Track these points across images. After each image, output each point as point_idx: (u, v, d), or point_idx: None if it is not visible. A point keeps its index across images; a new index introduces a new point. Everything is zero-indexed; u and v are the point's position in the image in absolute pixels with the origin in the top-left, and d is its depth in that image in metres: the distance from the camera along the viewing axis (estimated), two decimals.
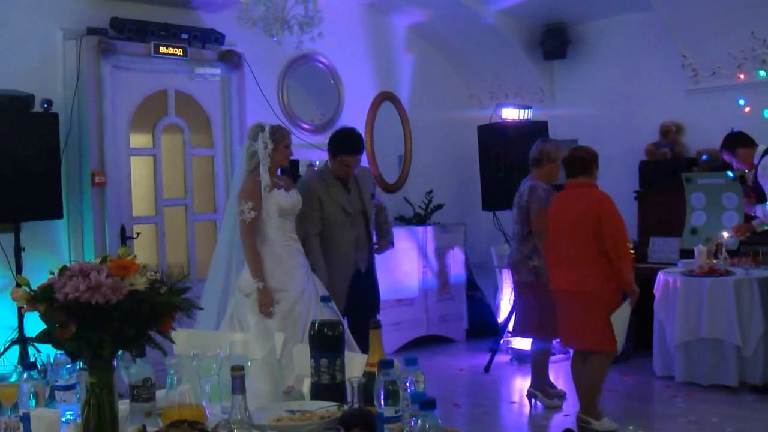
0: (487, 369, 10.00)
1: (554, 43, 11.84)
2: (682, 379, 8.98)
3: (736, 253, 9.58)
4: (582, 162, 7.67)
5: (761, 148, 8.61)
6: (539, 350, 8.65)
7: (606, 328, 7.42)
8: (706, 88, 10.71)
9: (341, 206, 7.61)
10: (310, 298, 6.91)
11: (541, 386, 8.55)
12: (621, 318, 7.43)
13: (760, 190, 8.54)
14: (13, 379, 3.67)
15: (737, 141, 8.84)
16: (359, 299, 7.60)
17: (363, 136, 8.11)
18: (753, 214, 8.87)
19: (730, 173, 9.24)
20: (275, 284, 6.85)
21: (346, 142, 7.90)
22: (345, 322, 6.84)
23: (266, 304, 6.74)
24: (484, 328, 11.34)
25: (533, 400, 8.54)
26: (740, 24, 10.12)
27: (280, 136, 7.02)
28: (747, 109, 10.03)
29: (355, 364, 3.71)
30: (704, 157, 10.45)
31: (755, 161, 8.58)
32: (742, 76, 10.34)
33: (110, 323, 2.92)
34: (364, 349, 3.64)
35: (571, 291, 7.63)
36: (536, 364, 8.60)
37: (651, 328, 9.42)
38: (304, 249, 7.23)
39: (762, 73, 10.20)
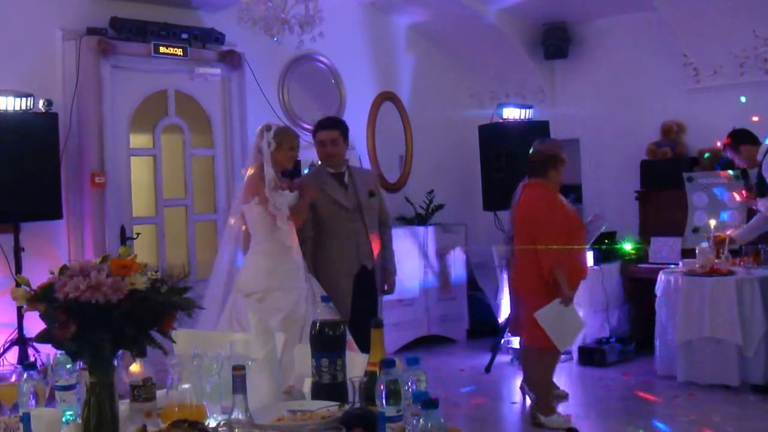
0: (488, 369, 10.00)
1: (555, 42, 11.84)
2: (683, 379, 8.98)
3: (737, 252, 9.58)
4: (535, 164, 7.80)
5: (765, 146, 8.60)
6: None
7: (539, 326, 7.54)
8: (708, 87, 10.71)
9: (335, 200, 7.56)
10: (308, 298, 6.91)
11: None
12: (548, 316, 7.49)
13: (762, 186, 8.53)
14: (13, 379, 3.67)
15: (742, 138, 8.83)
16: (361, 298, 7.56)
17: (344, 120, 8.04)
18: (755, 208, 8.85)
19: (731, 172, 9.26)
20: (275, 283, 6.85)
21: (320, 120, 8.01)
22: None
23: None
24: (485, 328, 11.33)
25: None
26: (742, 23, 10.12)
27: (284, 137, 7.02)
28: (755, 118, 9.98)
29: (357, 363, 3.71)
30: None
31: (759, 158, 8.56)
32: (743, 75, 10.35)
33: (111, 323, 2.91)
34: (364, 348, 3.64)
35: (514, 289, 8.11)
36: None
37: (652, 328, 9.41)
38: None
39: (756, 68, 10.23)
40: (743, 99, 10.20)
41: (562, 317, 7.52)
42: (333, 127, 7.75)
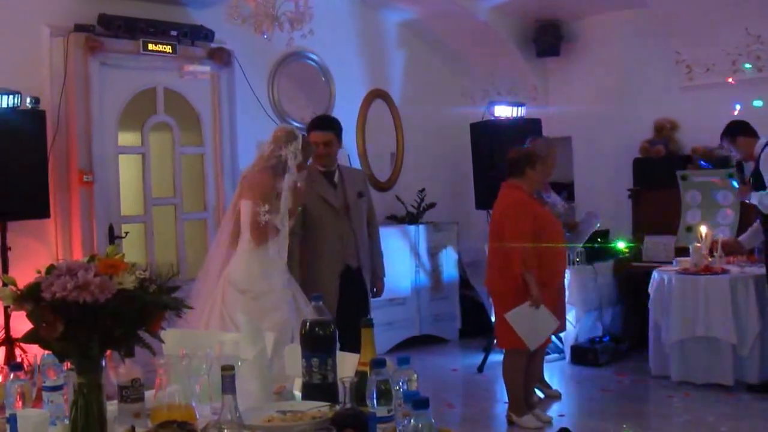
0: (480, 369, 10.01)
1: (547, 40, 11.83)
2: (677, 379, 9.00)
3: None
4: (512, 163, 7.83)
5: (763, 140, 8.57)
6: None
7: (509, 327, 7.61)
8: (701, 85, 10.71)
9: (324, 199, 7.55)
10: (294, 299, 6.90)
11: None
12: (518, 318, 7.55)
13: (758, 181, 8.52)
14: None
15: (740, 129, 8.77)
16: (350, 298, 7.56)
17: (337, 120, 8.02)
18: (748, 201, 8.83)
19: (734, 182, 9.21)
20: (268, 286, 6.83)
21: (313, 120, 8.04)
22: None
23: None
24: (477, 328, 11.32)
25: None
26: (734, 20, 10.11)
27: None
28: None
29: (347, 363, 3.70)
30: (702, 162, 10.43)
31: (756, 152, 8.54)
32: (735, 73, 10.36)
33: (98, 322, 2.90)
34: (354, 348, 3.63)
35: (488, 289, 8.28)
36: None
37: (646, 327, 9.42)
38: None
39: (748, 66, 10.21)
40: (760, 103, 10.10)
41: (533, 319, 7.53)
42: (327, 128, 7.71)
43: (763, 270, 8.72)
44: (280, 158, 6.82)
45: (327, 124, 7.83)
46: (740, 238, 9.43)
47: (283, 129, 7.09)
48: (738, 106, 9.92)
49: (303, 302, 6.84)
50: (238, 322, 6.46)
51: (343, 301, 7.45)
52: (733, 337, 8.67)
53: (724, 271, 8.99)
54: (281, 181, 6.78)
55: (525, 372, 7.99)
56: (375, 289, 7.99)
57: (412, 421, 2.73)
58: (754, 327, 8.70)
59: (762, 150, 8.46)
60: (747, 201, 8.81)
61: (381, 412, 3.04)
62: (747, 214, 9.56)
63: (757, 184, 8.49)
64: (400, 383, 3.16)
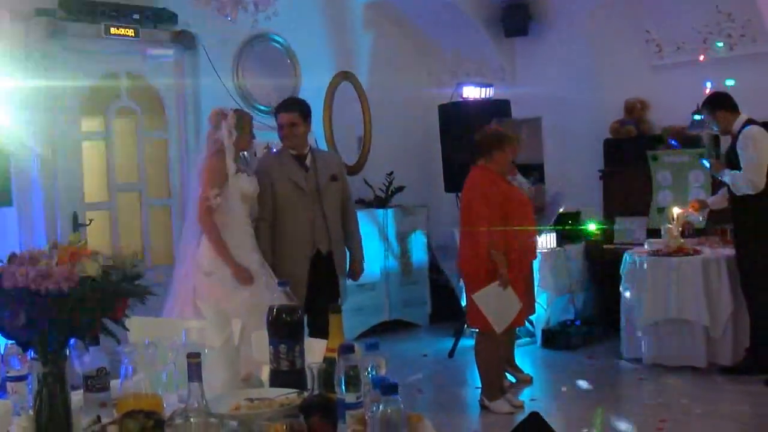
0: (451, 354, 10.04)
1: (515, 19, 11.84)
2: (649, 362, 9.06)
3: (703, 231, 9.64)
4: (480, 146, 7.86)
5: (743, 117, 8.56)
6: None
7: (476, 307, 7.66)
8: (671, 64, 10.77)
9: (294, 182, 7.58)
10: (267, 283, 6.93)
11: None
12: (485, 298, 7.57)
13: (732, 158, 8.53)
14: None
15: (721, 102, 8.69)
16: (320, 283, 7.58)
17: (305, 102, 8.03)
18: (720, 178, 8.84)
19: (705, 162, 9.19)
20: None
21: (280, 102, 8.08)
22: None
23: (247, 278, 6.85)
24: (448, 313, 11.34)
25: None
26: None
27: (243, 123, 7.07)
28: None
29: (315, 349, 3.71)
30: (673, 142, 10.46)
31: (735, 128, 8.52)
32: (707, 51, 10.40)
33: (62, 311, 2.90)
34: (324, 334, 3.64)
35: (459, 271, 8.44)
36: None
37: (618, 310, 9.46)
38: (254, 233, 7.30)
39: (719, 44, 10.24)
40: (731, 82, 10.07)
41: (499, 299, 7.56)
42: (291, 109, 7.77)
43: (734, 252, 8.78)
44: (218, 140, 6.91)
45: (291, 104, 7.88)
46: (708, 199, 9.43)
47: (213, 111, 7.22)
48: (709, 84, 9.92)
49: (274, 286, 6.88)
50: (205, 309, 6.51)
51: (312, 287, 7.48)
52: (705, 319, 8.73)
53: (696, 253, 9.04)
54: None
55: (498, 355, 8.03)
56: (354, 273, 8.03)
57: (381, 406, 2.75)
58: (727, 308, 8.76)
59: (741, 129, 8.46)
60: (719, 178, 8.82)
61: (350, 398, 3.04)
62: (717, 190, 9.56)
63: (731, 161, 8.52)
64: (369, 369, 3.16)
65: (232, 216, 6.98)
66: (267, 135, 9.50)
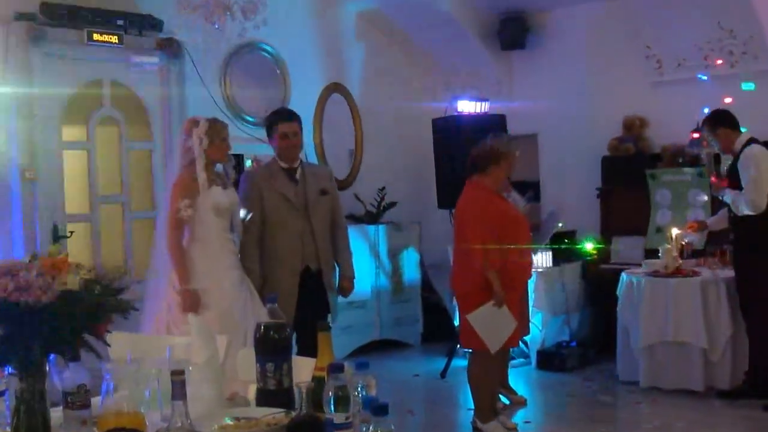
0: (443, 374, 10.03)
1: (513, 32, 11.85)
2: (646, 384, 9.05)
3: (702, 252, 9.64)
4: (476, 161, 7.86)
5: (744, 136, 8.56)
6: None
7: (470, 326, 7.64)
8: (671, 81, 10.77)
9: (285, 197, 7.55)
10: (245, 300, 6.91)
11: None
12: (480, 318, 7.56)
13: (733, 178, 8.53)
14: None
15: (722, 120, 8.69)
16: (309, 300, 7.55)
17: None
18: (720, 198, 8.83)
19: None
20: (210, 284, 6.83)
21: (278, 112, 8.02)
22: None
23: (191, 305, 6.71)
24: (440, 332, 11.34)
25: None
26: (706, 14, 10.18)
27: (215, 131, 6.99)
28: None
29: (303, 368, 3.69)
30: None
31: (737, 148, 8.52)
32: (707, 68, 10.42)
33: (41, 325, 2.89)
34: (313, 353, 3.63)
35: (453, 290, 8.34)
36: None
37: (614, 332, 9.46)
38: (240, 248, 7.27)
39: (750, 85, 10.23)
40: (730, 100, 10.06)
41: (494, 319, 7.55)
42: (293, 118, 7.77)
43: (733, 273, 8.78)
44: (191, 150, 6.89)
45: (292, 114, 7.87)
46: (708, 220, 9.45)
47: (186, 121, 7.23)
48: (729, 99, 9.94)
49: (258, 303, 6.86)
50: (184, 331, 6.49)
51: (301, 304, 7.45)
52: (703, 341, 8.72)
53: (695, 274, 9.04)
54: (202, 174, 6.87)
55: (492, 376, 8.02)
56: (343, 289, 7.98)
57: (371, 427, 2.74)
58: (726, 331, 8.76)
59: (742, 148, 8.47)
60: (720, 197, 8.81)
61: (339, 418, 3.04)
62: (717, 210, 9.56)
63: (732, 180, 8.52)
64: (359, 389, 3.15)
65: (205, 229, 6.91)
66: (254, 147, 9.51)
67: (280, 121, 7.72)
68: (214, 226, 6.94)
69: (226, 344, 4.39)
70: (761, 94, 10.00)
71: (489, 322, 7.55)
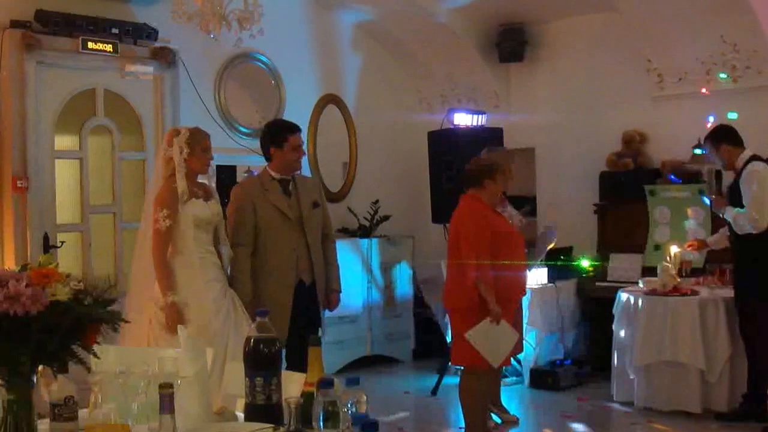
0: (434, 391, 10.02)
1: (511, 44, 11.85)
2: (641, 405, 9.03)
3: (701, 271, 9.65)
4: (471, 175, 7.86)
5: (747, 153, 8.55)
6: None
7: (466, 344, 7.60)
8: (673, 95, 10.76)
9: (279, 210, 7.54)
10: (228, 313, 6.90)
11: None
12: (479, 336, 7.53)
13: (734, 195, 8.53)
14: None
15: (724, 136, 8.68)
16: (301, 315, 7.54)
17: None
18: (721, 215, 8.82)
19: (705, 199, 9.20)
20: (189, 297, 6.83)
21: (287, 124, 7.92)
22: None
23: (174, 320, 6.69)
24: (432, 348, 11.35)
25: None
26: (709, 27, 10.16)
27: (196, 140, 6.96)
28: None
29: (293, 383, 3.72)
30: (672, 177, 10.44)
31: (739, 165, 8.52)
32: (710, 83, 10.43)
33: (30, 336, 2.91)
34: (303, 368, 3.64)
35: (445, 306, 8.24)
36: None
37: (610, 350, 9.45)
38: (232, 261, 7.28)
39: (723, 75, 10.27)
40: (734, 115, 10.02)
41: (494, 335, 7.54)
42: (300, 130, 7.78)
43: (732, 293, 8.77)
44: (171, 160, 6.90)
45: (299, 126, 7.84)
46: (708, 239, 9.46)
47: (168, 132, 7.27)
48: (712, 119, 9.92)
49: (242, 316, 6.87)
50: (162, 342, 6.51)
51: (294, 318, 7.44)
52: (701, 362, 8.70)
53: (694, 293, 9.02)
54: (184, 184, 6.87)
55: (484, 394, 8.02)
56: (329, 303, 7.96)
57: None
58: (724, 352, 8.74)
59: (745, 165, 8.46)
60: (720, 215, 8.80)
61: None
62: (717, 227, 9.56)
63: (733, 198, 8.52)
64: (349, 405, 3.17)
65: (185, 242, 6.91)
66: (248, 158, 9.53)
67: (292, 132, 7.68)
68: (194, 238, 6.93)
69: (213, 358, 4.41)
70: (765, 109, 10.01)
71: (489, 339, 7.55)
